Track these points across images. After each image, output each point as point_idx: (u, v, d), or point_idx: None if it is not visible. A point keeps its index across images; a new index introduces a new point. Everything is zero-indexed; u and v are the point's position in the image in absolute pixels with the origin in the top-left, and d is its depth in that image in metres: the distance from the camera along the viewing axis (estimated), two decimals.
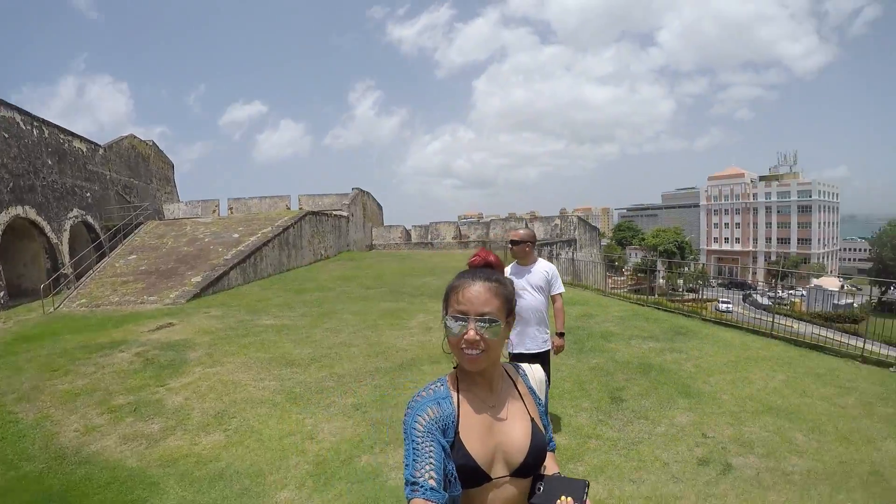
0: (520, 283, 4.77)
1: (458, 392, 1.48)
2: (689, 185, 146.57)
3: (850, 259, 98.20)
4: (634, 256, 77.30)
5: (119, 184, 24.71)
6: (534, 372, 1.67)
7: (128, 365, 7.46)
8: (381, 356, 7.77)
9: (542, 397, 1.64)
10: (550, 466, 1.55)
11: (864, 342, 8.09)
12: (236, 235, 18.75)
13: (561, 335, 4.96)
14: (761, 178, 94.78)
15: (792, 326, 9.92)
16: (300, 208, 28.65)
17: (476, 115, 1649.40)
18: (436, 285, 15.02)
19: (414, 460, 1.31)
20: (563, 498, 1.35)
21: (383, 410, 5.68)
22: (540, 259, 4.99)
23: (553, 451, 1.62)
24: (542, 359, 4.84)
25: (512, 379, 1.59)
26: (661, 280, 46.78)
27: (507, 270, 4.86)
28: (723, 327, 10.03)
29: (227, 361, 7.52)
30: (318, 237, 23.24)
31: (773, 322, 9.45)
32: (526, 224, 30.74)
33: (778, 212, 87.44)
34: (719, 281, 59.01)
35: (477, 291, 1.43)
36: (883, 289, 37.40)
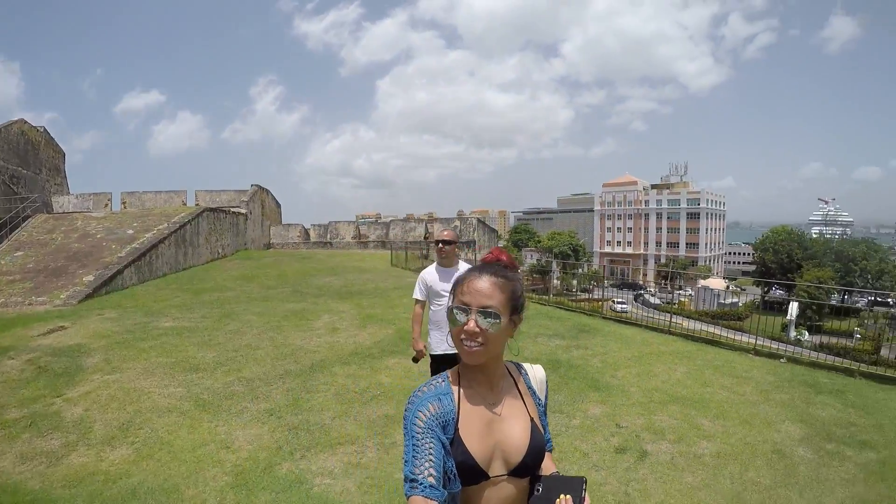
0: (444, 286, 4.77)
1: (459, 388, 1.46)
2: (585, 190, 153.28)
3: (734, 262, 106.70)
4: (530, 258, 79.75)
5: (6, 173, 22.57)
6: (535, 372, 1.67)
7: (19, 374, 6.77)
8: (289, 358, 7.54)
9: (543, 397, 1.63)
10: (548, 466, 1.55)
11: (756, 338, 8.73)
12: (131, 232, 17.63)
13: None
14: (653, 187, 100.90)
15: (682, 324, 10.60)
16: (197, 204, 27.55)
17: (378, 115, 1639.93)
18: (338, 285, 14.88)
19: (413, 457, 1.30)
20: (561, 496, 1.35)
21: (298, 414, 5.50)
22: (461, 261, 5.01)
23: (550, 451, 1.62)
24: None
25: (513, 378, 1.58)
26: (556, 281, 48.57)
27: (431, 271, 4.85)
28: (623, 325, 10.52)
29: (128, 368, 7.01)
30: (215, 235, 22.30)
31: (670, 320, 10.06)
32: (426, 226, 30.83)
33: (668, 218, 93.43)
34: (611, 282, 62.18)
35: (482, 284, 1.43)
36: (765, 289, 40.81)
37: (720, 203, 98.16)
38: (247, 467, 4.37)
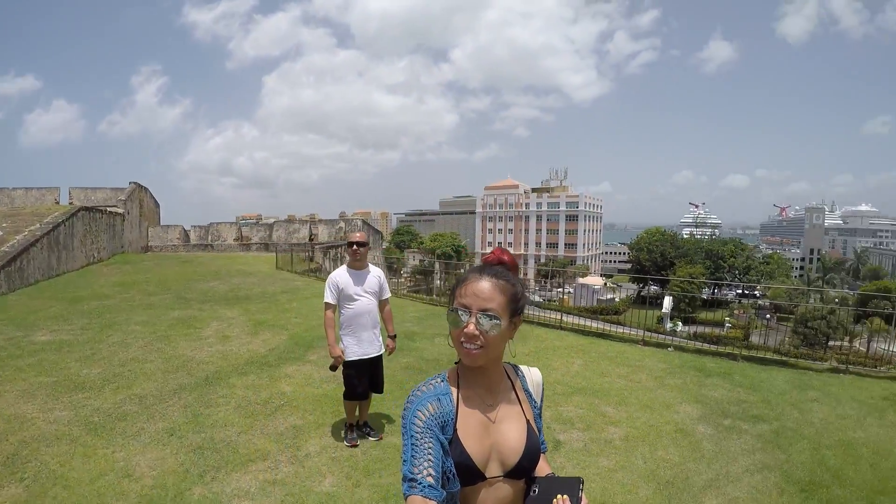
0: (356, 289, 4.75)
1: (458, 388, 1.47)
2: (467, 193, 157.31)
3: (611, 261, 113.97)
4: (413, 259, 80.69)
5: None
6: (532, 374, 1.69)
7: None
8: (181, 371, 7.13)
9: (538, 400, 1.66)
10: (543, 468, 1.58)
11: (644, 331, 9.36)
12: (0, 233, 15.79)
13: (393, 337, 5.05)
14: (534, 190, 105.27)
15: (569, 321, 11.22)
16: (71, 203, 25.44)
17: (263, 112, 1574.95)
18: (223, 290, 14.30)
19: (412, 456, 1.30)
20: (558, 497, 1.37)
21: (201, 432, 5.16)
22: (370, 264, 5.01)
23: (545, 452, 1.64)
24: (378, 362, 4.87)
25: (511, 380, 1.60)
26: (438, 281, 49.47)
27: (342, 273, 4.80)
28: None
29: (5, 390, 6.30)
30: (91, 237, 20.45)
31: (561, 317, 10.60)
32: (310, 227, 30.29)
33: (548, 220, 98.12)
34: None
35: (482, 286, 1.43)
36: (641, 285, 43.75)
37: (597, 206, 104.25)
38: (154, 496, 3.99)
